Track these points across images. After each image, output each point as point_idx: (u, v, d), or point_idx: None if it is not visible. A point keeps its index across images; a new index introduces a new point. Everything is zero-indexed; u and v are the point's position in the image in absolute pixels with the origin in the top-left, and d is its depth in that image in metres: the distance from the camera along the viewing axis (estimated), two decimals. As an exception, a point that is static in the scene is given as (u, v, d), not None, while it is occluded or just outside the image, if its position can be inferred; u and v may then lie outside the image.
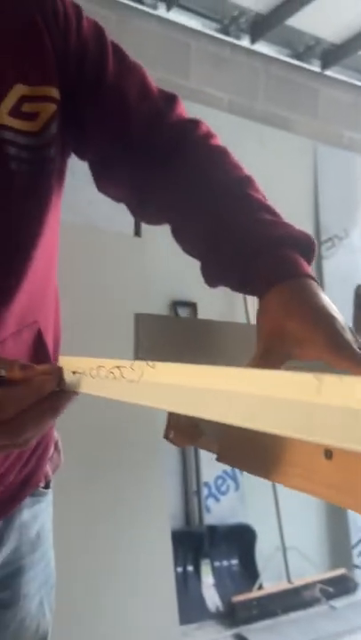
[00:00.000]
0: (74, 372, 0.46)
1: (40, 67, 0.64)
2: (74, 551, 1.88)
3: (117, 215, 2.57)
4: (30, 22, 0.64)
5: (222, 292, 2.61)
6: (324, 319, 0.50)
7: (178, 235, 0.71)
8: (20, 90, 0.62)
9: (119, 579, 2.01)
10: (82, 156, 0.75)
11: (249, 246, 0.58)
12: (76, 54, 0.68)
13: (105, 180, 0.76)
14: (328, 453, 0.41)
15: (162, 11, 2.66)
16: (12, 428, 0.46)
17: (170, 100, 0.74)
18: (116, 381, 0.39)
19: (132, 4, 2.57)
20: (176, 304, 2.63)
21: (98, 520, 1.95)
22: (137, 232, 2.57)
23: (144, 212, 0.75)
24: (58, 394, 0.48)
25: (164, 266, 2.49)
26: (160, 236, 2.87)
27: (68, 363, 0.47)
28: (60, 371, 0.48)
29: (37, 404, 0.47)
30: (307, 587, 2.48)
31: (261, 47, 2.94)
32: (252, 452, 0.50)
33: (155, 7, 2.64)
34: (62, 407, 0.49)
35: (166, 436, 0.63)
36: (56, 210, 0.72)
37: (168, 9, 2.65)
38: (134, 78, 0.72)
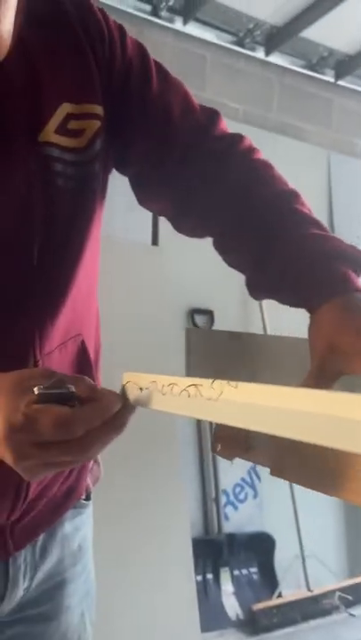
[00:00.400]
0: (141, 389, 0.48)
1: (85, 85, 0.66)
2: (95, 561, 1.87)
3: (135, 225, 2.60)
4: (75, 43, 0.66)
5: (239, 300, 2.62)
6: None
7: (222, 247, 0.72)
8: (66, 108, 0.64)
9: (140, 587, 2.02)
10: (123, 172, 0.77)
11: (300, 261, 0.60)
12: (120, 72, 0.69)
13: (147, 194, 0.77)
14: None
15: (178, 24, 2.69)
16: (80, 446, 0.47)
17: (212, 115, 0.75)
18: (191, 399, 0.41)
19: (150, 17, 2.62)
20: (193, 312, 2.65)
21: (118, 530, 1.97)
22: (154, 241, 2.59)
23: (186, 224, 0.76)
24: (122, 411, 0.49)
25: (181, 274, 2.51)
26: (177, 245, 2.88)
27: (135, 379, 0.49)
28: (124, 393, 0.50)
29: (104, 423, 0.48)
30: (326, 595, 2.48)
31: (276, 58, 2.97)
32: (312, 467, 0.50)
33: (171, 21, 2.68)
34: (126, 423, 0.50)
35: (214, 449, 0.65)
36: (98, 224, 0.73)
37: (184, 22, 2.69)
38: (177, 95, 0.73)
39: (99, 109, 0.66)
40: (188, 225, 0.76)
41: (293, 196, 0.69)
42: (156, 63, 0.74)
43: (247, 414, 0.36)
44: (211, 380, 0.40)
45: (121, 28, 0.71)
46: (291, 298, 0.63)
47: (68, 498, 0.79)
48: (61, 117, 0.63)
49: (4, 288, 0.62)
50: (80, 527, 0.83)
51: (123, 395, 0.51)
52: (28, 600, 0.76)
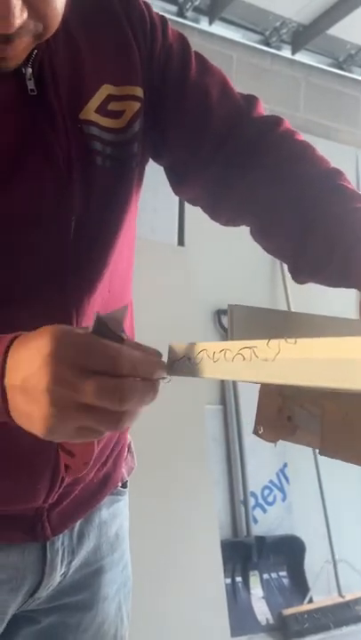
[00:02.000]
0: (189, 359, 0.47)
1: (126, 68, 0.67)
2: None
3: (161, 225, 2.60)
4: (118, 27, 0.68)
5: (266, 300, 2.59)
6: None
7: (262, 232, 0.71)
8: (107, 89, 0.65)
9: (169, 590, 2.00)
10: (160, 159, 0.77)
11: (349, 235, 0.58)
12: (160, 57, 0.71)
13: (183, 182, 0.77)
14: None
15: (204, 24, 2.70)
16: (121, 388, 0.44)
17: (251, 99, 0.75)
18: (247, 362, 0.39)
19: (175, 18, 2.62)
20: (220, 312, 2.63)
21: (147, 532, 1.95)
22: (180, 242, 2.59)
23: (224, 211, 0.76)
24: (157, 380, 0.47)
25: (207, 275, 2.50)
26: (203, 245, 2.88)
27: (181, 349, 0.48)
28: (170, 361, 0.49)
29: (145, 379, 0.46)
30: (359, 601, 2.42)
31: (302, 57, 2.95)
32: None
33: (197, 21, 2.69)
34: (156, 393, 0.47)
35: (256, 432, 0.63)
36: (134, 209, 0.73)
37: (210, 22, 2.69)
38: (215, 81, 0.74)
39: (139, 91, 0.68)
40: (227, 212, 0.75)
41: (336, 173, 0.68)
42: (196, 52, 0.75)
43: (309, 370, 0.34)
44: (266, 340, 0.38)
45: (163, 18, 0.73)
46: (338, 275, 0.61)
47: (105, 485, 0.79)
48: (102, 98, 0.65)
49: (42, 260, 0.62)
50: (117, 514, 0.83)
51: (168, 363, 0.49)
52: (65, 587, 0.75)
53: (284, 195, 0.68)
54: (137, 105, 0.67)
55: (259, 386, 0.59)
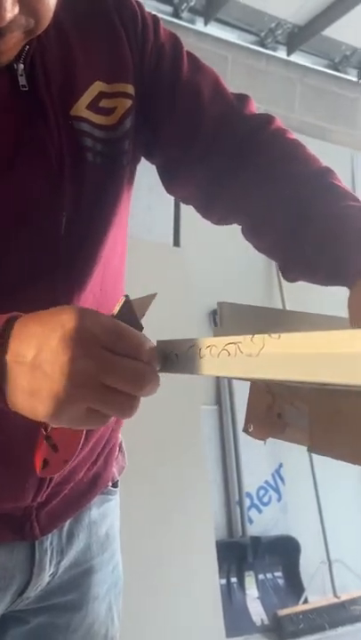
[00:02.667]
0: (177, 355, 0.46)
1: (118, 66, 0.67)
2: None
3: (156, 225, 2.60)
4: (110, 26, 0.68)
5: (261, 300, 2.59)
6: None
7: (254, 231, 0.71)
8: (98, 86, 0.65)
9: (164, 590, 1.99)
10: (152, 157, 0.77)
11: (339, 235, 0.59)
12: (152, 55, 0.71)
13: (175, 180, 0.77)
14: None
15: (199, 25, 2.70)
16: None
17: (243, 98, 0.75)
18: (231, 358, 0.39)
19: (170, 18, 2.62)
20: (215, 313, 2.63)
21: (142, 533, 1.95)
22: (176, 242, 2.59)
23: (216, 210, 0.76)
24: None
25: (202, 275, 2.50)
26: (199, 245, 2.87)
27: (168, 345, 0.48)
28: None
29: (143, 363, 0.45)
30: (354, 601, 2.42)
31: (298, 58, 2.96)
32: (351, 439, 0.48)
33: (192, 22, 2.69)
34: (146, 380, 0.46)
35: (246, 430, 0.63)
36: (126, 207, 0.73)
37: (205, 23, 2.69)
38: (208, 78, 0.74)
39: (130, 89, 0.68)
40: (218, 210, 0.75)
41: (327, 172, 0.68)
42: (188, 51, 0.75)
43: (292, 364, 0.34)
44: (250, 336, 0.38)
45: (155, 17, 0.73)
46: (328, 272, 0.61)
47: (95, 484, 0.78)
48: (94, 95, 0.65)
49: (32, 257, 0.62)
50: (108, 514, 0.82)
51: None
52: (54, 587, 0.75)
53: (276, 193, 0.68)
54: (128, 102, 0.67)
55: (252, 385, 0.59)
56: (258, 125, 0.73)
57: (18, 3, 0.51)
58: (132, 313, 0.46)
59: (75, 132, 0.63)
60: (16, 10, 0.51)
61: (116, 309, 0.46)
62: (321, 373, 0.33)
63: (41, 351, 0.42)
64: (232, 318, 0.60)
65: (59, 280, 0.63)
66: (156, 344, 0.49)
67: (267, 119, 0.73)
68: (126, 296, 0.46)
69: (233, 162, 0.71)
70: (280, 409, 0.58)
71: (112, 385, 0.43)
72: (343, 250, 0.58)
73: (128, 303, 0.46)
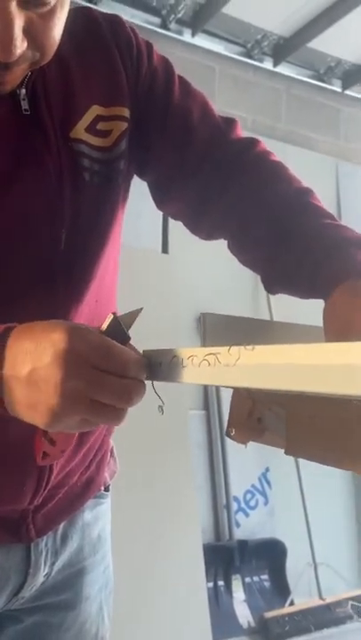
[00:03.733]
0: (160, 364, 0.50)
1: (114, 90, 0.71)
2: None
3: (145, 232, 2.63)
4: (107, 51, 0.72)
5: (249, 307, 2.62)
6: None
7: (238, 246, 0.75)
8: (96, 110, 0.69)
9: (151, 594, 2.01)
10: (144, 175, 0.80)
11: (316, 249, 0.62)
12: (146, 79, 0.75)
13: (165, 197, 0.80)
14: None
15: (187, 36, 2.74)
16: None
17: (230, 122, 0.79)
18: (211, 368, 0.43)
19: (159, 29, 2.66)
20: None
21: (129, 536, 1.96)
22: (164, 249, 2.62)
23: (204, 226, 0.79)
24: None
25: (191, 282, 2.53)
26: (187, 253, 2.89)
27: (154, 355, 0.51)
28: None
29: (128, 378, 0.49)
30: (339, 603, 2.45)
31: (283, 69, 3.01)
32: (324, 442, 0.52)
33: (180, 33, 2.73)
34: (132, 394, 0.49)
35: (228, 434, 0.66)
36: (120, 223, 0.77)
37: (193, 34, 2.74)
38: (197, 102, 0.78)
39: (126, 112, 0.71)
40: (206, 226, 0.79)
41: (307, 192, 0.72)
42: (179, 75, 0.79)
43: (265, 374, 0.38)
44: (227, 347, 0.41)
45: (148, 43, 0.77)
46: (307, 285, 0.65)
47: (88, 488, 0.81)
48: (91, 118, 0.69)
49: (32, 271, 0.65)
50: (100, 517, 0.85)
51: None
52: (48, 587, 0.77)
53: (259, 211, 0.71)
54: (124, 125, 0.71)
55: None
56: (244, 148, 0.76)
57: (27, 38, 0.55)
58: (119, 328, 0.50)
59: (73, 154, 0.67)
60: (25, 45, 0.55)
61: (105, 325, 0.49)
62: (290, 383, 0.36)
63: (35, 368, 0.47)
64: (215, 329, 0.63)
65: (57, 293, 0.66)
66: (142, 353, 0.52)
67: (252, 142, 0.78)
68: (114, 313, 0.50)
69: (220, 182, 0.75)
70: (260, 414, 0.61)
71: (101, 400, 0.47)
72: (319, 265, 0.62)
73: (115, 320, 0.50)
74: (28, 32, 0.55)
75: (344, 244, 0.61)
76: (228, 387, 0.47)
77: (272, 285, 0.71)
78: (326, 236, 0.64)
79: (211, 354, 0.43)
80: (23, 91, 0.63)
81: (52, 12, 0.55)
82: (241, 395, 0.63)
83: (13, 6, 0.51)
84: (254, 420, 0.62)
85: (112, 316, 0.49)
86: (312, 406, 0.51)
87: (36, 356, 0.47)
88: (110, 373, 0.47)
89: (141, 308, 0.52)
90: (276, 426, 0.60)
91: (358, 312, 0.54)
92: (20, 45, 0.54)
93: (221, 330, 0.63)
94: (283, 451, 0.61)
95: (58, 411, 0.47)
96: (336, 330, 0.56)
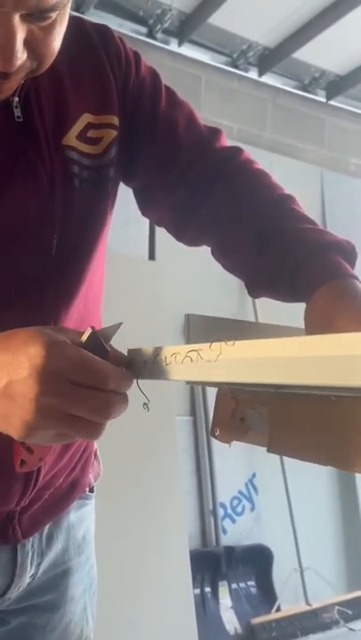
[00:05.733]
0: (145, 362, 0.51)
1: (105, 98, 0.73)
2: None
3: (132, 239, 2.65)
4: (97, 60, 0.73)
5: (234, 312, 2.64)
6: None
7: (222, 252, 0.76)
8: (87, 118, 0.71)
9: (138, 600, 2.01)
10: (129, 182, 0.82)
11: (298, 253, 0.64)
12: (134, 89, 0.76)
13: (150, 204, 0.82)
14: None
15: (174, 45, 2.77)
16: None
17: (215, 131, 0.81)
18: (193, 364, 0.44)
19: (146, 39, 2.69)
20: (190, 326, 2.67)
21: (116, 542, 1.96)
22: (151, 256, 2.64)
23: (188, 233, 0.80)
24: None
25: (177, 288, 2.55)
26: (174, 259, 2.91)
27: (138, 353, 0.52)
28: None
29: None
30: (325, 609, 2.46)
31: (269, 79, 3.06)
32: (304, 439, 0.53)
33: (167, 42, 2.76)
34: (111, 408, 0.49)
35: (213, 434, 0.67)
36: (108, 228, 0.78)
37: (180, 44, 2.77)
38: (183, 112, 0.79)
39: (115, 120, 0.73)
40: (190, 233, 0.80)
41: (289, 198, 0.74)
42: (167, 86, 0.81)
43: (246, 368, 0.39)
44: (209, 344, 0.42)
45: (136, 53, 0.79)
46: (288, 289, 0.66)
47: (73, 490, 0.82)
48: (82, 126, 0.70)
49: (24, 275, 0.66)
50: (85, 518, 0.86)
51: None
52: (34, 588, 0.78)
53: (242, 218, 0.73)
54: (114, 133, 0.73)
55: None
56: (228, 157, 0.78)
57: (27, 49, 0.56)
58: (98, 342, 0.49)
59: (65, 160, 0.68)
60: (25, 56, 0.56)
61: (84, 338, 0.49)
62: (269, 376, 0.38)
63: (11, 382, 0.46)
64: (199, 330, 0.64)
65: (47, 297, 0.67)
66: (127, 352, 0.53)
67: (236, 151, 0.79)
68: (92, 327, 0.49)
69: (204, 190, 0.76)
70: (243, 413, 0.62)
71: (79, 415, 0.47)
72: (299, 268, 0.63)
73: (94, 334, 0.49)
74: (28, 43, 0.56)
75: (324, 248, 0.63)
76: (210, 383, 0.48)
77: (255, 290, 0.73)
78: (307, 241, 0.65)
79: (193, 350, 0.44)
80: (16, 98, 0.65)
81: (52, 25, 0.57)
82: (225, 395, 0.64)
83: (16, 19, 0.53)
84: (237, 419, 0.63)
85: (90, 330, 0.49)
86: (292, 404, 0.52)
87: (13, 368, 0.46)
88: (89, 387, 0.46)
89: (121, 323, 0.52)
90: (259, 425, 0.61)
91: (337, 313, 0.56)
92: (21, 56, 0.55)
93: (205, 330, 0.64)
94: (270, 456, 0.62)
95: (32, 425, 0.46)
96: (317, 330, 0.58)
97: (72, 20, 0.75)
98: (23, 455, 0.56)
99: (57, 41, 0.59)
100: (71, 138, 0.69)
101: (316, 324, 0.58)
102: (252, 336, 0.67)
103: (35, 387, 0.45)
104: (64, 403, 0.46)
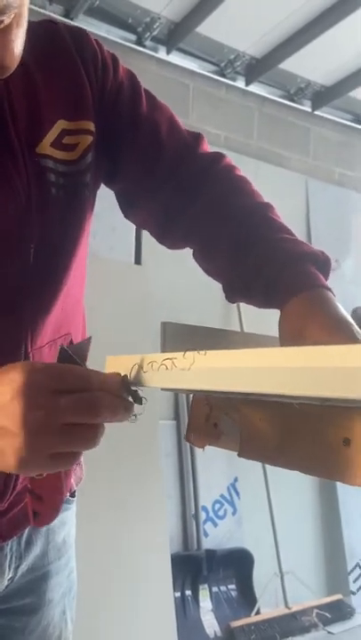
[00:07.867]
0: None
1: (79, 104, 0.72)
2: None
3: (118, 244, 2.66)
4: (71, 65, 0.73)
5: (219, 316, 2.67)
6: (342, 325, 0.56)
7: (202, 256, 0.78)
8: (61, 125, 0.70)
9: (118, 603, 2.02)
10: (111, 185, 0.82)
11: (272, 262, 0.65)
12: (111, 93, 0.76)
13: (132, 207, 0.82)
14: (346, 441, 0.47)
15: (162, 53, 2.80)
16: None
17: (197, 136, 0.82)
18: (168, 372, 0.46)
19: (134, 46, 2.72)
20: (174, 331, 2.69)
21: (97, 544, 1.97)
22: (137, 260, 2.65)
23: (169, 236, 0.81)
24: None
25: (163, 292, 2.56)
26: (159, 264, 2.93)
27: (117, 362, 0.54)
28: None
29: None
30: (304, 612, 2.49)
31: (255, 88, 3.10)
32: (273, 444, 0.55)
33: (155, 50, 2.79)
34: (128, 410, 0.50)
35: (188, 439, 0.69)
36: (87, 233, 0.79)
37: (168, 52, 2.80)
38: (164, 116, 0.80)
39: (91, 125, 0.72)
40: (172, 236, 0.81)
41: (268, 207, 0.75)
42: (145, 89, 0.80)
43: (216, 377, 0.41)
44: (182, 353, 0.45)
45: (114, 56, 0.78)
46: (263, 296, 0.68)
47: None
48: (57, 133, 0.69)
49: (4, 283, 0.66)
50: (65, 522, 0.86)
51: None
52: (12, 591, 0.78)
53: (222, 223, 0.74)
54: (89, 138, 0.72)
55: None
56: (210, 162, 0.79)
57: None
58: (71, 360, 0.50)
59: (40, 169, 0.68)
60: None
61: (56, 359, 0.50)
62: (238, 384, 0.40)
63: None
64: (175, 337, 0.66)
65: (25, 306, 0.68)
66: (106, 361, 0.55)
67: (218, 157, 0.80)
68: (61, 346, 0.50)
69: (186, 194, 0.77)
70: (216, 419, 0.64)
71: (70, 421, 0.46)
72: (275, 276, 0.65)
73: (64, 352, 0.50)
74: None
75: (298, 259, 0.65)
76: (184, 390, 0.50)
77: (231, 295, 0.74)
78: (283, 250, 0.67)
79: (168, 359, 0.46)
80: None
81: (8, 29, 0.56)
82: (199, 401, 0.66)
83: None
84: (211, 425, 0.65)
85: (60, 349, 0.49)
86: (261, 410, 0.54)
87: None
88: (72, 391, 0.47)
89: (90, 337, 0.52)
90: (231, 430, 0.63)
91: (310, 323, 0.58)
92: None
93: (181, 338, 0.66)
94: (252, 462, 0.64)
95: (25, 448, 0.46)
96: (289, 339, 0.60)
97: (45, 23, 0.75)
98: (34, 505, 0.54)
99: (15, 43, 0.58)
100: (45, 146, 0.68)
101: (288, 334, 0.60)
102: (226, 344, 0.70)
103: (19, 406, 0.45)
104: (52, 413, 0.46)
